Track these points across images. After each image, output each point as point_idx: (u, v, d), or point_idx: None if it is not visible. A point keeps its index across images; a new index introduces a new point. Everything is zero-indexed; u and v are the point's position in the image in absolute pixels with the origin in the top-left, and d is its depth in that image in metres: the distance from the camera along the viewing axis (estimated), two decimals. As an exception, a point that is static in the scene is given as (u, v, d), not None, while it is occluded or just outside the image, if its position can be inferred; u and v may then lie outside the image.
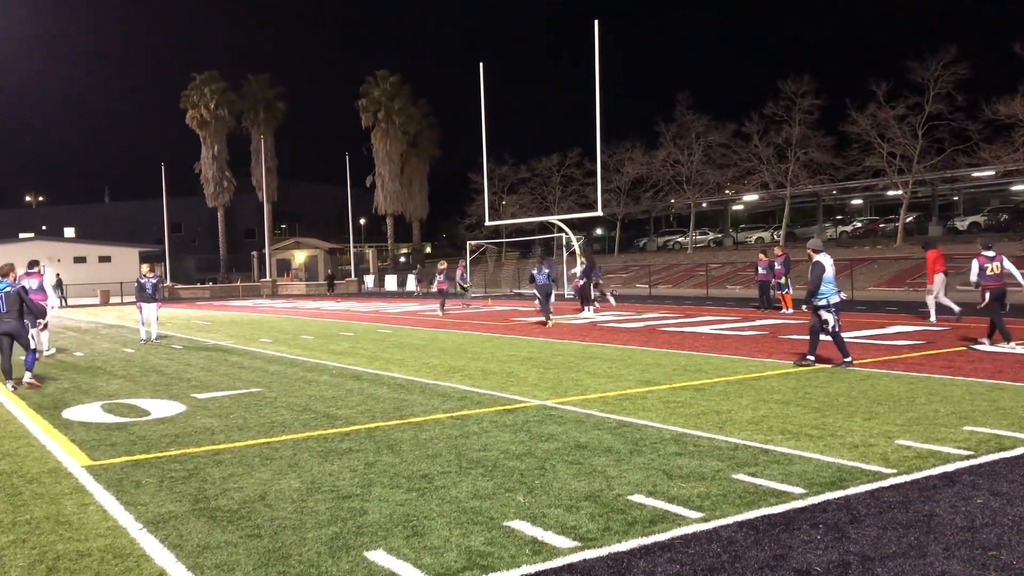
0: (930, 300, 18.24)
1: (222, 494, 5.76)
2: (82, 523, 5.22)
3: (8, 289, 11.40)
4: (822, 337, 11.50)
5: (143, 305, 19.04)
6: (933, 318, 17.96)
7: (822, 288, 11.26)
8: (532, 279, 21.34)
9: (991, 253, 13.34)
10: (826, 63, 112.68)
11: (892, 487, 5.54)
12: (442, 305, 27.01)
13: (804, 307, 12.01)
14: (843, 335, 11.54)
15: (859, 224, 56.18)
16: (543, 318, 20.68)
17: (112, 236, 73.82)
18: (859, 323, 17.93)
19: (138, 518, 5.28)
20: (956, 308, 17.55)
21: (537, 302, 21.66)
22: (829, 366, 11.29)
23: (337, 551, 4.62)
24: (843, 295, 11.57)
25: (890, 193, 52.12)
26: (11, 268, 11.77)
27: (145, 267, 19.75)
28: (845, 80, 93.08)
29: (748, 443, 6.86)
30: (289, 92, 77.29)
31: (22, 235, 75.01)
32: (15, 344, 11.58)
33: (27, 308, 11.64)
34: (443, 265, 29.05)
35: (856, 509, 5.10)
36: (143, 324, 19.15)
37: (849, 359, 11.26)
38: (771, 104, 46.88)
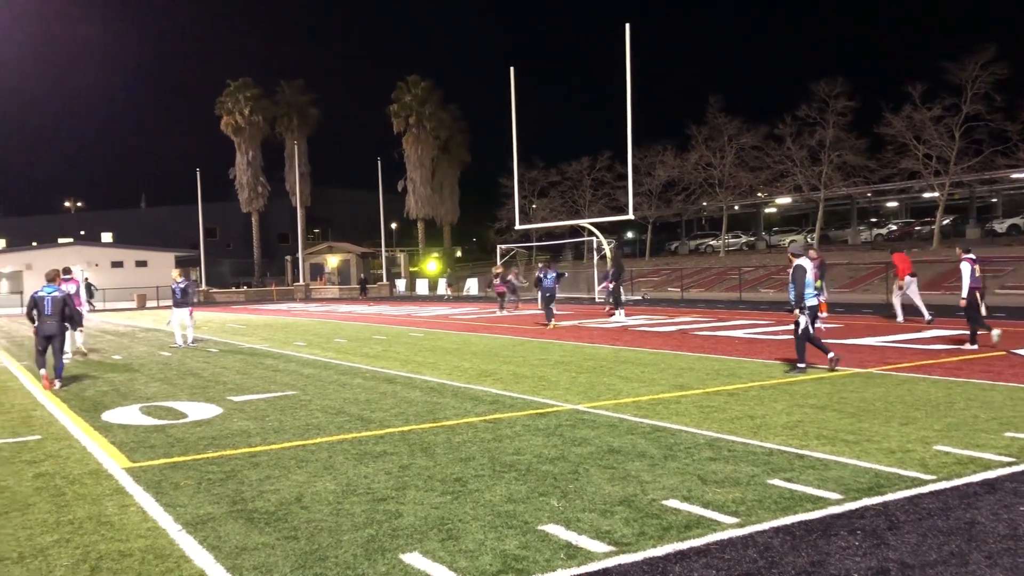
0: (896, 301, 19.61)
1: (259, 496, 5.83)
2: (123, 524, 5.31)
3: (55, 293, 12.00)
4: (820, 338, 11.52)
5: (174, 309, 19.35)
6: (900, 319, 19.26)
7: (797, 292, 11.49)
8: (538, 282, 22.55)
9: (973, 256, 14.07)
10: (860, 64, 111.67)
11: (931, 493, 5.47)
12: (501, 307, 29.40)
13: (794, 311, 11.85)
14: (878, 340, 11.42)
15: (894, 227, 55.50)
16: (545, 320, 21.89)
17: (148, 241, 75.03)
18: (895, 327, 17.69)
19: (177, 519, 5.35)
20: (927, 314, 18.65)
21: (540, 303, 22.93)
22: (860, 370, 11.17)
23: (373, 553, 4.65)
24: (822, 297, 11.80)
25: (926, 195, 51.42)
26: (57, 274, 12.50)
27: (175, 272, 20.04)
28: (879, 82, 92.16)
29: (783, 448, 6.80)
30: (322, 98, 78.07)
31: (61, 240, 76.35)
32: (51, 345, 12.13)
33: (69, 312, 12.22)
34: (498, 269, 30.56)
35: (895, 515, 5.04)
36: (177, 328, 19.46)
37: (803, 367, 11.44)
38: (804, 106, 46.45)
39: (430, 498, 5.66)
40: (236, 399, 10.36)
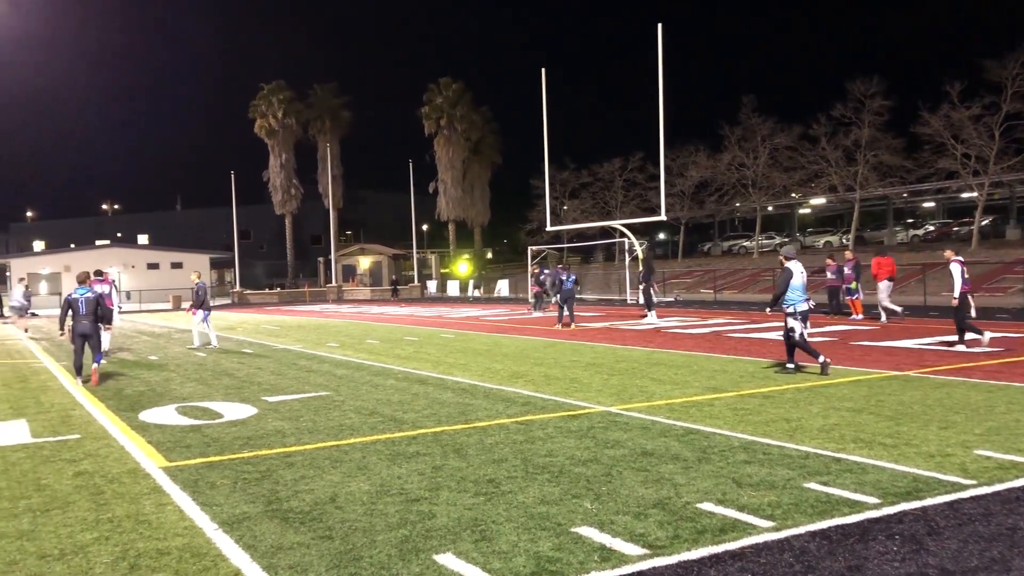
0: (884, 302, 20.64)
1: (294, 496, 5.88)
2: (161, 522, 5.38)
3: (88, 295, 12.50)
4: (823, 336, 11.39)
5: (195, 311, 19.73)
6: (884, 319, 20.25)
7: (789, 295, 11.53)
8: (559, 284, 22.97)
9: (962, 259, 14.41)
10: (896, 63, 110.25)
11: (972, 498, 5.38)
12: (534, 307, 29.76)
13: (767, 310, 12.68)
14: (914, 342, 11.26)
15: (931, 227, 54.68)
16: (560, 322, 22.28)
17: (183, 243, 75.76)
18: (933, 330, 17.44)
19: (213, 518, 5.42)
20: (898, 309, 20.41)
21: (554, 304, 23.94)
22: (897, 373, 11.01)
23: (407, 554, 4.67)
24: (812, 303, 11.87)
25: (964, 195, 50.60)
26: (88, 276, 13.18)
27: (193, 275, 20.36)
28: (916, 80, 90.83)
29: (819, 451, 6.73)
30: (354, 100, 78.84)
31: (99, 242, 77.43)
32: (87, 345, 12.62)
33: (101, 312, 12.81)
34: (536, 270, 30.89)
35: (934, 520, 4.96)
36: (194, 329, 19.83)
37: (792, 367, 11.52)
38: (839, 106, 45.94)
39: (463, 499, 5.68)
40: (270, 399, 10.46)
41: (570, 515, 5.28)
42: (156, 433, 8.32)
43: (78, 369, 12.59)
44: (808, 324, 11.58)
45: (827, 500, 5.43)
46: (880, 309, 20.55)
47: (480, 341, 18.48)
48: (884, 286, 20.41)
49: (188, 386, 12.14)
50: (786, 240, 60.13)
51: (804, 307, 11.51)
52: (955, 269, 14.00)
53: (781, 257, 12.01)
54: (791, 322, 11.46)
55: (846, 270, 22.43)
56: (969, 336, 13.89)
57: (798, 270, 11.56)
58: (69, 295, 12.64)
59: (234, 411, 9.59)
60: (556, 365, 13.24)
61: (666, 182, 38.55)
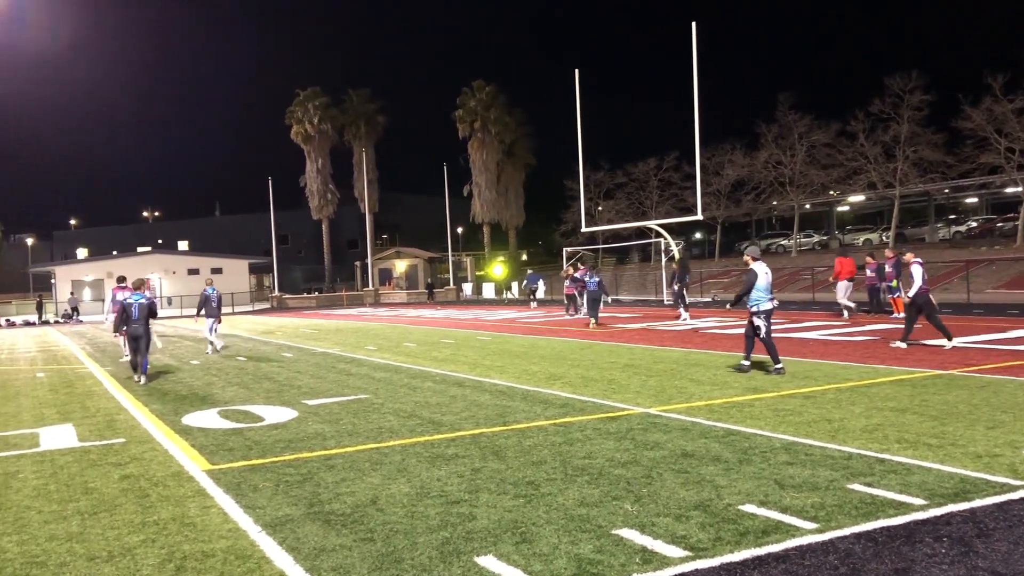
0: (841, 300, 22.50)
1: (335, 498, 5.92)
2: (205, 525, 5.46)
3: (142, 300, 13.67)
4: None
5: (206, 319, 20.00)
6: (847, 315, 21.88)
7: (754, 295, 11.70)
8: (583, 284, 23.90)
9: (921, 260, 14.77)
10: (935, 57, 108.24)
11: (1022, 500, 5.28)
12: (567, 309, 29.33)
13: (728, 307, 13.17)
14: (947, 341, 11.06)
15: (974, 223, 53.70)
16: (590, 321, 22.79)
17: (222, 248, 76.64)
18: (977, 327, 17.11)
19: (256, 521, 5.48)
20: (852, 305, 22.21)
21: (583, 305, 24.45)
22: (942, 372, 10.82)
23: (448, 556, 4.69)
24: (775, 303, 11.94)
25: (1008, 190, 49.61)
26: (143, 282, 14.51)
27: (208, 279, 20.72)
28: (957, 74, 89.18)
29: (863, 452, 6.63)
30: (388, 105, 78.30)
31: (140, 248, 78.85)
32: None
33: (153, 317, 13.94)
34: (570, 271, 30.65)
35: (983, 522, 4.87)
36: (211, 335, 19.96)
37: (780, 367, 11.48)
38: (877, 101, 45.32)
39: (503, 501, 5.68)
40: (311, 403, 10.55)
41: (610, 517, 5.26)
42: (199, 437, 8.44)
43: (134, 367, 13.87)
44: (770, 323, 11.77)
45: (871, 501, 5.35)
46: (842, 306, 22.35)
47: (516, 343, 18.47)
48: (843, 286, 22.40)
49: (229, 390, 12.29)
50: (824, 238, 59.51)
51: (768, 306, 11.75)
52: (916, 271, 14.37)
53: (747, 257, 12.16)
54: (756, 321, 11.66)
55: (887, 268, 22.17)
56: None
57: (763, 270, 11.88)
58: (124, 300, 13.97)
59: (275, 414, 9.70)
60: (593, 367, 13.20)
61: (702, 181, 38.11)
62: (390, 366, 14.63)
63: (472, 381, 12.00)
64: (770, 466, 6.31)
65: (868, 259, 23.59)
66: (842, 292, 22.58)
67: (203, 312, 19.24)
